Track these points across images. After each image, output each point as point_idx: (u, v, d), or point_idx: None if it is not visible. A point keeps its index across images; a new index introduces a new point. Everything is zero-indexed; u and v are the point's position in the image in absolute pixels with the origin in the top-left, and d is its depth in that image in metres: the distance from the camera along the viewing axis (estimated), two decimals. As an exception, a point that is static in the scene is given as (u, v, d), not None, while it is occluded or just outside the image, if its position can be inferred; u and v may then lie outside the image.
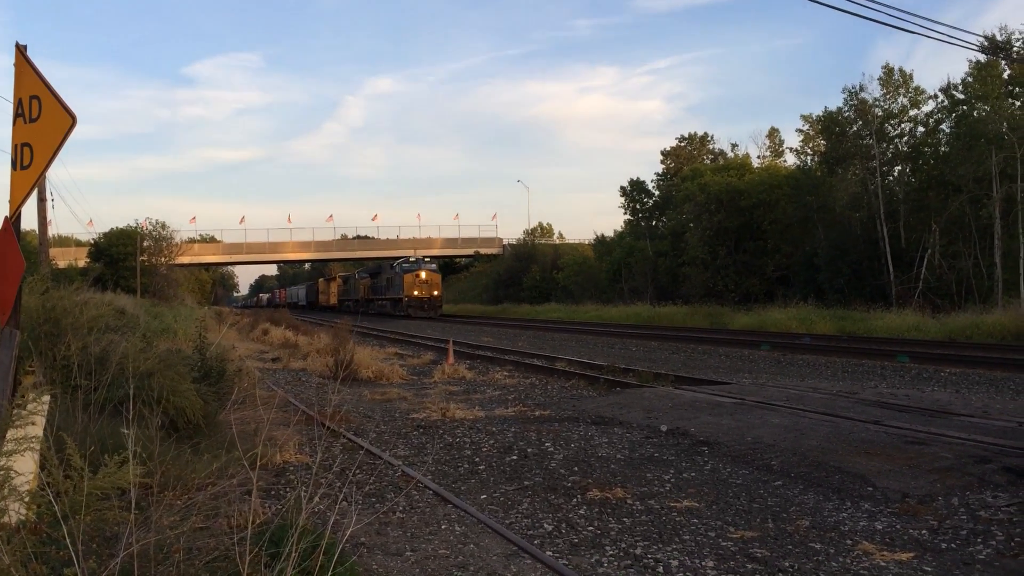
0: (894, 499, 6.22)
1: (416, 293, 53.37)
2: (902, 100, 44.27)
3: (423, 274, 54.16)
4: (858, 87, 44.65)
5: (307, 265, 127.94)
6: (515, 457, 8.08)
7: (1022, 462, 6.86)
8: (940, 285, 38.17)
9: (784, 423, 9.16)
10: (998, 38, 37.85)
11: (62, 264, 43.53)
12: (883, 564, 4.84)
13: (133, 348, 7.70)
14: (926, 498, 6.18)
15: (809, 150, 54.88)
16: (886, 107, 44.26)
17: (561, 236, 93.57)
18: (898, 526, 5.60)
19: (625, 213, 68.29)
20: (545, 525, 5.77)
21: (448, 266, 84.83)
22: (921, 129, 44.18)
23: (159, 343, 11.58)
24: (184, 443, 6.45)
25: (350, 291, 74.04)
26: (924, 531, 5.47)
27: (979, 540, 5.24)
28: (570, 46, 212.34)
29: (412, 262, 56.02)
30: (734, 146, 65.90)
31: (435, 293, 54.58)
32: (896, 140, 44.70)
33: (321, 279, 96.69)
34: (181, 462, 5.74)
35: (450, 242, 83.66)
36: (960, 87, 40.52)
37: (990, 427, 8.72)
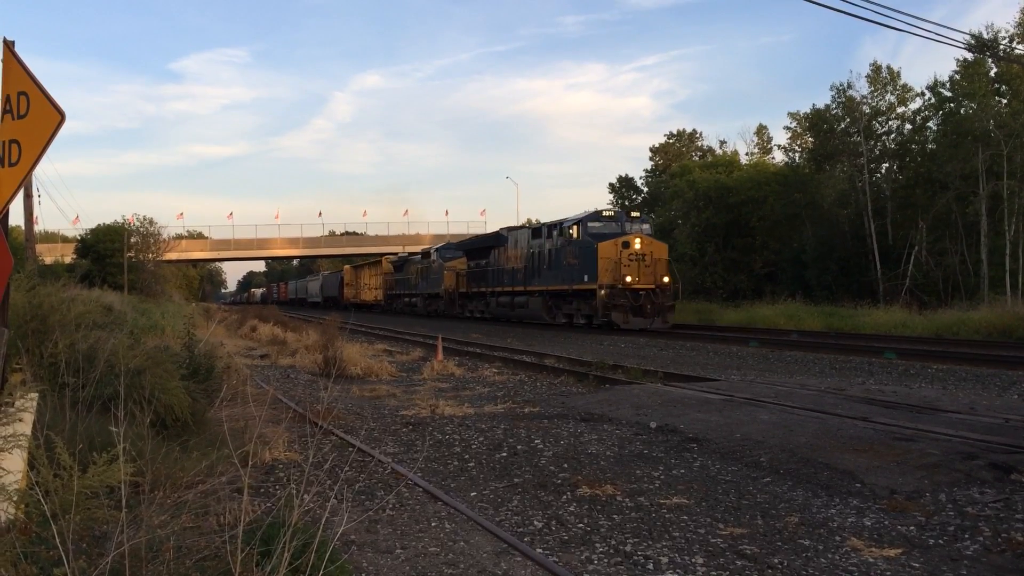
0: (882, 495, 6.25)
1: (630, 279, 27.31)
2: (889, 97, 44.55)
3: (638, 242, 28.02)
4: (846, 84, 44.99)
5: (295, 262, 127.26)
6: (505, 454, 8.08)
7: (1009, 458, 6.91)
8: (927, 282, 38.42)
9: (773, 420, 9.19)
10: (985, 36, 38.08)
11: (48, 260, 43.25)
12: (871, 560, 4.87)
13: (121, 345, 7.67)
14: (914, 494, 6.22)
15: (797, 147, 55.15)
16: (874, 104, 44.51)
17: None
18: (886, 522, 5.64)
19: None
20: (535, 522, 5.77)
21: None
22: (908, 126, 44.45)
23: (147, 340, 11.55)
24: (172, 441, 6.44)
25: (413, 281, 50.87)
26: (912, 527, 5.51)
27: (966, 536, 5.27)
28: (558, 43, 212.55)
29: (607, 217, 29.86)
30: (722, 143, 66.24)
31: (664, 279, 28.08)
32: (883, 137, 44.96)
33: (348, 267, 72.62)
34: (170, 460, 5.72)
35: (439, 238, 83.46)
36: (947, 85, 40.77)
37: (977, 423, 8.77)
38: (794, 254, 45.99)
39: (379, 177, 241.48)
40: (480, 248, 40.30)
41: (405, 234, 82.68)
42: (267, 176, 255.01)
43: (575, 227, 30.01)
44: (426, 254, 49.73)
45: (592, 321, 29.00)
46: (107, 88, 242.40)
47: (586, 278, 28.66)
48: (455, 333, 27.40)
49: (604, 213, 30.38)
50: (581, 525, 5.69)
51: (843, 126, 45.29)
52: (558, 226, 31.66)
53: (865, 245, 41.53)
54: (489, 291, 37.76)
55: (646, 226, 30.44)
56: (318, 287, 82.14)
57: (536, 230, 34.06)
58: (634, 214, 31.17)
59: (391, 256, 59.49)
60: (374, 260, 65.05)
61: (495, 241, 38.21)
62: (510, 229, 37.30)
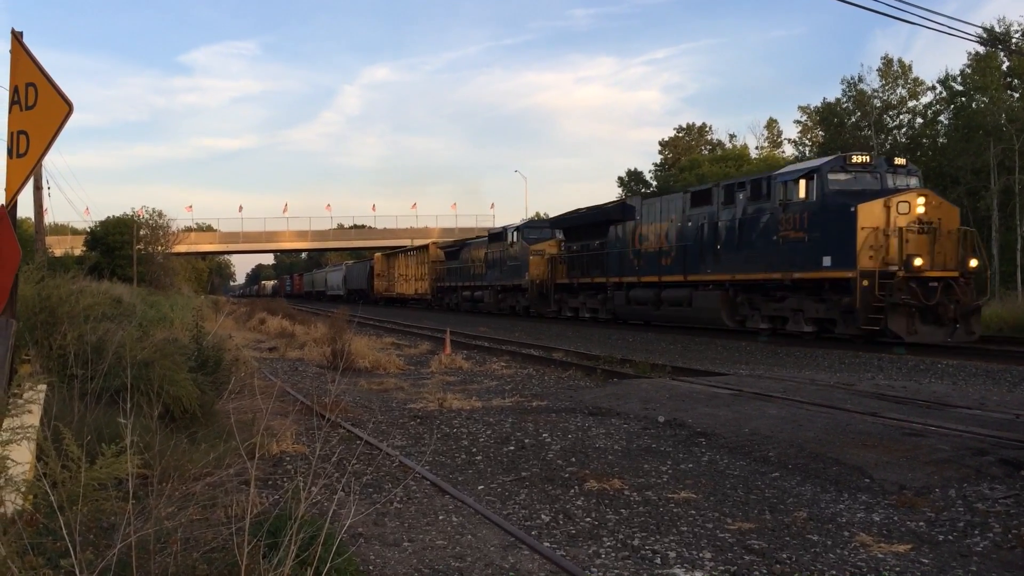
0: (891, 491, 6.22)
1: (920, 263, 17.16)
2: (901, 91, 44.35)
3: (921, 203, 17.73)
4: (857, 78, 44.83)
5: (304, 254, 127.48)
6: (512, 448, 8.08)
7: (1019, 454, 6.87)
8: (937, 276, 38.18)
9: (781, 414, 9.16)
10: (997, 30, 37.85)
11: (58, 252, 43.48)
12: (880, 556, 4.85)
13: (130, 337, 7.69)
14: (923, 490, 6.19)
15: (807, 141, 54.92)
16: (885, 98, 44.31)
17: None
18: (895, 518, 5.61)
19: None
20: (543, 516, 5.76)
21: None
22: (919, 120, 44.22)
23: (155, 332, 11.57)
24: (180, 433, 6.45)
25: (476, 270, 40.71)
26: (921, 523, 5.48)
27: (976, 532, 5.24)
28: (568, 36, 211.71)
29: (859, 165, 19.09)
30: (732, 137, 66.11)
31: (971, 262, 17.85)
32: (894, 131, 44.75)
33: (379, 255, 62.80)
34: (178, 452, 5.73)
35: (447, 232, 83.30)
36: (959, 79, 40.54)
37: (987, 419, 8.73)
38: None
39: (387, 171, 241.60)
40: (589, 224, 29.55)
41: (413, 227, 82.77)
42: (276, 169, 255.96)
43: (804, 182, 18.92)
44: (497, 235, 38.79)
45: (833, 329, 18.95)
46: (117, 81, 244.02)
47: (828, 261, 18.17)
48: (463, 327, 27.40)
49: (854, 159, 19.17)
50: (589, 519, 5.68)
51: (854, 120, 45.13)
52: (752, 183, 21.22)
53: (875, 239, 41.35)
54: (611, 282, 27.63)
55: (914, 179, 19.36)
56: (340, 279, 73.28)
57: (701, 193, 23.44)
58: (898, 161, 19.86)
59: (448, 245, 48.69)
60: (416, 247, 55.00)
61: (617, 213, 27.75)
62: (645, 196, 26.90)
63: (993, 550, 4.94)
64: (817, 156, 49.06)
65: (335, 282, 76.07)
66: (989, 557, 4.82)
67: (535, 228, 36.68)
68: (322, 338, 19.73)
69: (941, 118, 42.94)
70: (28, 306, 7.15)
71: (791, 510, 5.85)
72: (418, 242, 64.63)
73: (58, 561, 3.06)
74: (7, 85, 4.87)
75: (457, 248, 45.10)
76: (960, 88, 40.39)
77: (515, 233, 36.40)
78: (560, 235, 33.43)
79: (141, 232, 49.65)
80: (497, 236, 38.84)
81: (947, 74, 41.36)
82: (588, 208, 31.39)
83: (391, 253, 61.00)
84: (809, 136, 54.65)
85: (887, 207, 17.67)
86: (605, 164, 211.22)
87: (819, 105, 49.14)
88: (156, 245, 52.51)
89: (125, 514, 3.25)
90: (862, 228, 17.52)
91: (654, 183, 66.47)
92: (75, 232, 66.20)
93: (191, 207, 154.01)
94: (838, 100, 46.26)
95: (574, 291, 30.81)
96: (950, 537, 5.19)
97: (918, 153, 43.68)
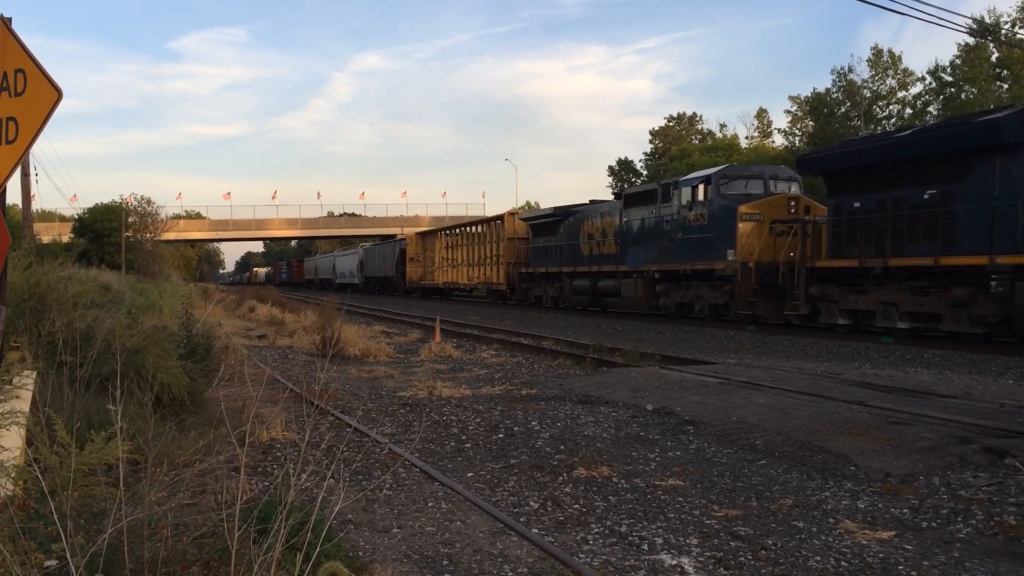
0: (876, 479, 6.29)
1: None
2: (890, 82, 44.46)
3: None
4: (847, 68, 44.86)
5: (294, 242, 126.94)
6: (501, 435, 8.11)
7: (1002, 443, 6.94)
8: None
9: (769, 403, 9.23)
10: (987, 20, 37.95)
11: (46, 239, 43.19)
12: (864, 542, 4.91)
13: (119, 324, 7.68)
14: (908, 478, 6.26)
15: (797, 131, 55.00)
16: (874, 88, 44.42)
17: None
18: (880, 505, 5.67)
19: (613, 192, 68.29)
20: (531, 503, 5.80)
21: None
22: (909, 111, 44.36)
23: (145, 319, 11.55)
24: (170, 420, 6.45)
25: (592, 249, 28.61)
26: (905, 510, 5.54)
27: (959, 519, 5.31)
28: (559, 24, 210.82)
29: None
30: (722, 126, 66.12)
31: None
32: (884, 122, 44.87)
33: (413, 234, 51.45)
34: (167, 439, 5.74)
35: (437, 220, 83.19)
36: (948, 69, 40.65)
37: (972, 408, 8.81)
38: (793, 238, 45.91)
39: (379, 159, 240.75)
40: (903, 161, 17.09)
41: (404, 215, 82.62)
42: (266, 157, 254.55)
43: None
44: (643, 195, 25.96)
45: None
46: (106, 67, 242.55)
47: None
48: (453, 315, 27.41)
49: None
50: (577, 506, 5.72)
51: (843, 110, 45.25)
52: None
53: (864, 230, 41.49)
54: (1004, 264, 14.73)
55: None
56: (355, 264, 62.29)
57: None
58: None
59: (534, 216, 35.73)
60: (478, 220, 42.81)
61: (1012, 130, 14.86)
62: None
63: (976, 536, 5.00)
64: (808, 147, 49.25)
65: (346, 268, 65.10)
66: (972, 543, 4.89)
67: (740, 177, 22.54)
68: (312, 326, 19.72)
69: (930, 108, 43.09)
70: (17, 293, 7.13)
71: (777, 497, 5.91)
72: (407, 230, 63.64)
73: (49, 546, 3.07)
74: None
75: (557, 218, 31.60)
76: (950, 79, 40.53)
77: (701, 187, 22.59)
78: (797, 189, 22.06)
79: (130, 219, 49.34)
80: (642, 196, 25.77)
81: (937, 65, 41.53)
82: (893, 133, 19.01)
83: (428, 232, 49.60)
84: (799, 126, 54.76)
85: None
86: (596, 153, 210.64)
87: (809, 95, 49.24)
88: (145, 232, 52.18)
89: (116, 499, 3.27)
90: None
91: (644, 172, 66.53)
92: (63, 219, 65.79)
93: (180, 195, 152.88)
94: (828, 90, 46.41)
95: (854, 280, 18.52)
96: (933, 524, 5.26)
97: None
